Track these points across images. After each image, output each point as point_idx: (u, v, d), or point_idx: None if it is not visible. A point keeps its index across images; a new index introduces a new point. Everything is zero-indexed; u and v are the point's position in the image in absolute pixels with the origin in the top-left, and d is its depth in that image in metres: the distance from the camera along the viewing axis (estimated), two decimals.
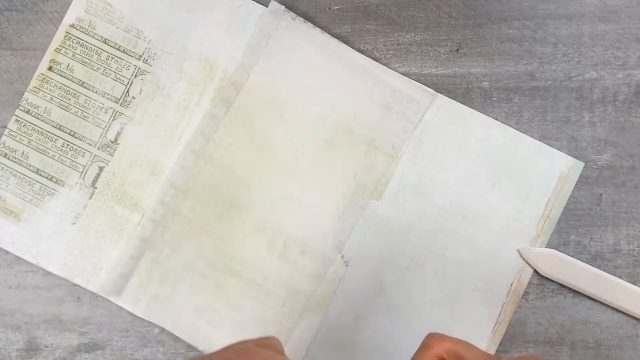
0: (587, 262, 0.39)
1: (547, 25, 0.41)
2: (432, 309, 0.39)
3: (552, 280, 0.39)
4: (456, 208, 0.40)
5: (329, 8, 0.41)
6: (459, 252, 0.40)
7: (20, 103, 0.40)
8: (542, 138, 0.40)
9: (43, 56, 0.40)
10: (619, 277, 0.39)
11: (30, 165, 0.40)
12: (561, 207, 0.40)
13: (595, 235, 0.40)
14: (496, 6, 0.41)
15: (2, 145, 0.40)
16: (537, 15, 0.41)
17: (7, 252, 0.40)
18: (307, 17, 0.41)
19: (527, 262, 0.39)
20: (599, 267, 0.39)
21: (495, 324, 0.39)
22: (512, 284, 0.39)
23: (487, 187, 0.40)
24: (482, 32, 0.41)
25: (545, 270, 0.39)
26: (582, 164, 0.40)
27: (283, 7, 0.40)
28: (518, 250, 0.39)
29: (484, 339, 0.39)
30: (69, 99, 0.40)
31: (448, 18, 0.41)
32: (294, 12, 0.40)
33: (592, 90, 0.40)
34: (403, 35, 0.41)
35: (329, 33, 0.41)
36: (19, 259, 0.40)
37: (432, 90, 0.40)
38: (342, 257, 0.40)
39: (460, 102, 0.40)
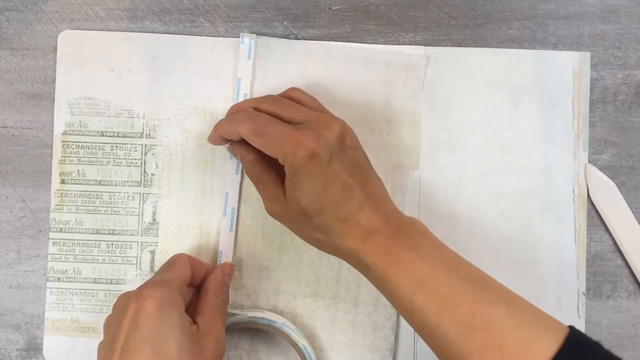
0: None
1: (547, 25, 0.41)
2: (511, 247, 0.40)
3: None
4: (492, 143, 0.40)
5: (329, 8, 0.41)
6: (513, 182, 0.40)
7: (50, 226, 0.40)
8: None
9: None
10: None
11: (86, 278, 0.40)
12: (587, 101, 0.40)
13: (595, 235, 0.40)
14: (496, 6, 0.41)
15: (51, 271, 0.40)
16: (537, 15, 0.41)
17: (7, 252, 0.40)
18: (307, 18, 0.41)
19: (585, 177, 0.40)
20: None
21: (575, 233, 0.40)
22: (573, 190, 0.40)
23: (512, 112, 0.40)
24: (482, 32, 0.41)
25: (595, 195, 0.39)
26: (589, 54, 0.40)
27: (254, 34, 0.40)
28: (586, 166, 0.40)
29: (570, 250, 0.39)
30: (94, 202, 0.40)
31: (448, 18, 0.41)
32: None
33: (592, 90, 0.40)
34: (403, 35, 0.41)
35: (328, 33, 0.41)
36: (19, 259, 0.40)
37: (422, 48, 0.40)
38: None
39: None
